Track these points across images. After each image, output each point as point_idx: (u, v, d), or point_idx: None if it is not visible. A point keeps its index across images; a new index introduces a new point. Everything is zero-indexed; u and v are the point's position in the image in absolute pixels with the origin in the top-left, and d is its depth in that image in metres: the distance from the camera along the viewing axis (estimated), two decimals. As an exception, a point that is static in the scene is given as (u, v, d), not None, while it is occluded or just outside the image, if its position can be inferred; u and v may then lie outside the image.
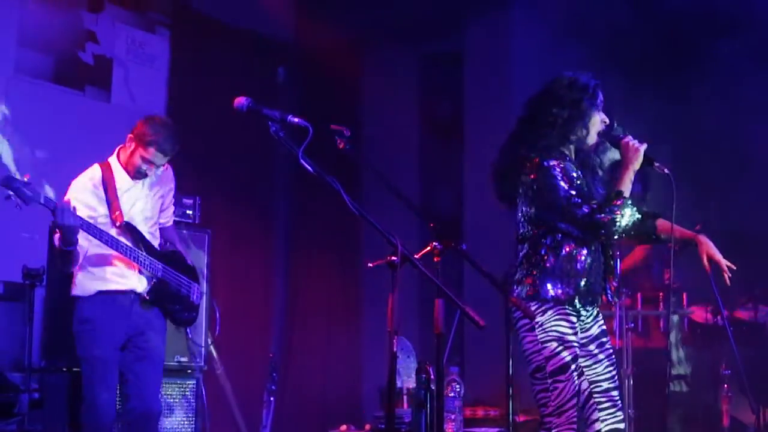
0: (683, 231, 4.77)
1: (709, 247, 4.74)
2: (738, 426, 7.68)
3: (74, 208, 5.08)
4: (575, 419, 4.49)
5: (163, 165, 5.45)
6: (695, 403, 8.46)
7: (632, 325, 7.35)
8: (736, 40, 8.19)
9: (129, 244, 5.32)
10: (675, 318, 8.61)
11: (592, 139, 4.63)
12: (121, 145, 5.50)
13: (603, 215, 4.41)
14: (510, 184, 4.66)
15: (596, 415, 4.57)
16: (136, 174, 5.43)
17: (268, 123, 3.94)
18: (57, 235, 5.11)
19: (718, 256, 4.74)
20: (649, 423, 7.93)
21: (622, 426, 4.61)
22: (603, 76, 4.75)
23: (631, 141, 4.54)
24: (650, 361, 8.06)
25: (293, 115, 3.92)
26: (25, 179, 4.94)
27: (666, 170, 4.55)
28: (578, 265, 4.54)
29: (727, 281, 4.74)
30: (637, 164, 4.51)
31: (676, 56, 8.76)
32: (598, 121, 4.62)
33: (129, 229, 5.38)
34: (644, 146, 4.52)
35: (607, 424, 4.57)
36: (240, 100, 3.97)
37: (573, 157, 4.65)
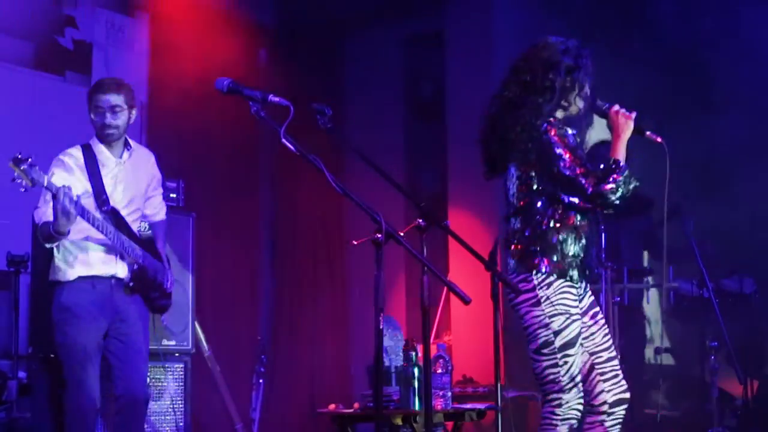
0: None
1: None
2: (726, 397, 7.72)
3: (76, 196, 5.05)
4: (582, 393, 4.49)
5: (125, 110, 5.38)
6: (683, 375, 8.51)
7: (618, 299, 7.36)
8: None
9: (113, 228, 5.30)
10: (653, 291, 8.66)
11: (579, 108, 4.58)
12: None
13: (606, 184, 4.37)
14: (504, 150, 4.57)
15: (601, 386, 4.55)
16: (106, 132, 5.36)
17: (249, 103, 3.93)
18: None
19: None
20: (638, 398, 7.98)
21: (627, 395, 4.59)
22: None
23: (620, 110, 4.50)
24: (636, 335, 8.11)
25: (274, 95, 3.92)
26: (28, 161, 4.87)
27: (659, 139, 4.51)
28: (576, 238, 4.50)
29: None
30: (628, 132, 4.46)
31: (658, 31, 8.76)
32: (585, 90, 4.57)
33: (113, 213, 5.36)
34: (633, 115, 4.48)
35: (614, 394, 4.56)
36: (220, 81, 3.97)
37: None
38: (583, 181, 4.39)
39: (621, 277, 7.66)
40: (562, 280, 4.46)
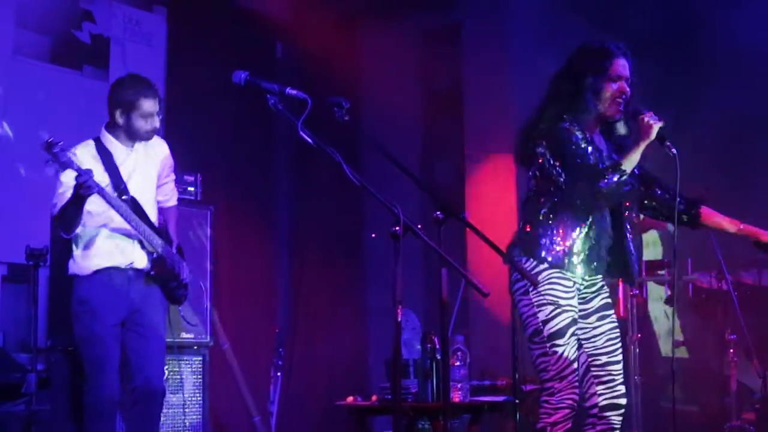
0: (727, 220, 4.73)
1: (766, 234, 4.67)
2: (745, 391, 7.69)
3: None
4: (577, 383, 4.48)
5: (160, 110, 5.43)
6: (701, 368, 8.48)
7: (636, 292, 7.34)
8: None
9: (135, 216, 5.32)
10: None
11: (610, 110, 4.57)
12: (106, 122, 5.48)
13: (595, 182, 4.39)
14: (526, 150, 4.63)
15: (594, 388, 4.55)
16: (146, 135, 5.42)
17: (267, 96, 3.94)
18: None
19: None
20: (655, 389, 7.96)
21: (622, 401, 4.58)
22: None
23: (647, 117, 4.47)
24: (653, 328, 8.08)
25: (291, 87, 3.92)
26: (59, 144, 4.95)
27: (674, 150, 4.50)
28: (574, 232, 4.50)
29: None
30: (648, 140, 4.43)
31: (677, 24, 8.73)
32: (609, 92, 4.54)
33: (132, 202, 5.38)
34: (660, 124, 4.44)
35: (605, 398, 4.55)
36: (238, 74, 3.97)
37: (594, 128, 4.62)
38: (586, 174, 4.42)
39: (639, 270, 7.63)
40: (553, 270, 4.47)
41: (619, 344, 4.66)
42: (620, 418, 4.59)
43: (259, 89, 3.95)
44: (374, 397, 6.27)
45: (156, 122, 5.43)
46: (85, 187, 4.99)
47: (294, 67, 9.38)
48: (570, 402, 4.46)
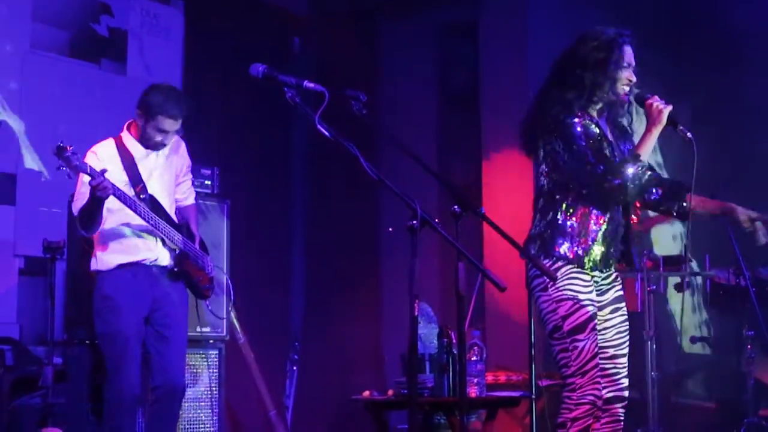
0: (712, 202, 4.71)
1: (742, 211, 4.65)
2: (762, 387, 7.66)
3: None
4: (599, 378, 4.46)
5: (177, 131, 5.44)
6: (719, 365, 8.45)
7: (654, 287, 7.31)
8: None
9: (153, 214, 5.33)
10: (698, 280, 8.60)
11: (619, 97, 4.55)
12: (130, 120, 5.50)
13: (613, 178, 4.38)
14: (533, 142, 4.61)
15: (599, 380, 4.51)
16: (154, 146, 5.43)
17: (284, 89, 3.93)
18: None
19: (755, 214, 4.66)
20: (671, 385, 7.93)
21: (625, 393, 4.58)
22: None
23: (655, 102, 4.47)
24: (671, 323, 8.05)
25: (309, 81, 3.92)
26: (69, 149, 4.95)
27: (689, 134, 4.48)
28: (592, 227, 4.49)
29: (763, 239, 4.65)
30: (660, 126, 4.42)
31: (692, 17, 8.71)
32: (624, 80, 4.54)
33: (152, 201, 5.38)
34: (669, 108, 4.43)
35: (609, 390, 4.55)
36: (255, 67, 3.97)
37: (599, 116, 4.60)
38: (591, 173, 4.41)
39: (657, 266, 7.60)
40: (571, 266, 4.47)
41: (627, 338, 4.65)
42: (623, 411, 4.59)
43: (277, 82, 3.94)
44: (390, 392, 6.27)
45: (169, 140, 5.43)
46: (101, 188, 4.99)
47: (311, 61, 9.37)
48: (592, 398, 4.43)
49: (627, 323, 4.66)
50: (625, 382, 4.60)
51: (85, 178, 5.09)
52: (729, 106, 8.49)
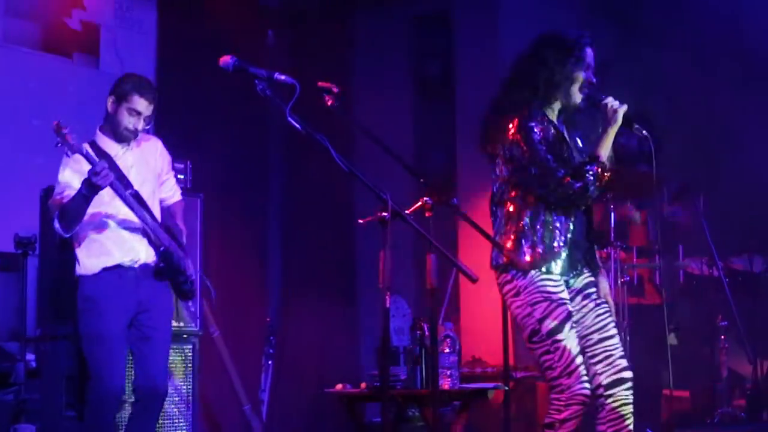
0: None
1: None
2: (735, 377, 7.71)
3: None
4: (586, 375, 4.38)
5: (147, 121, 5.38)
6: (692, 355, 8.49)
7: (627, 278, 7.34)
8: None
9: (142, 209, 5.28)
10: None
11: (577, 99, 4.55)
12: (100, 125, 5.44)
13: (575, 182, 4.38)
14: (491, 144, 4.59)
15: (593, 369, 4.45)
16: (125, 133, 5.34)
17: (255, 81, 3.92)
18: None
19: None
20: (647, 377, 7.95)
21: (626, 375, 4.46)
22: (594, 30, 4.71)
23: (610, 102, 4.46)
24: (646, 314, 8.07)
25: (280, 73, 3.91)
26: (66, 129, 4.91)
27: (644, 132, 4.48)
28: (557, 232, 4.47)
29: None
30: (616, 126, 4.42)
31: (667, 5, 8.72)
32: (583, 81, 4.53)
33: (136, 197, 5.32)
34: (623, 108, 4.43)
35: (607, 375, 4.45)
36: (225, 59, 3.96)
37: (557, 117, 4.60)
38: (551, 178, 4.40)
39: (630, 257, 7.64)
40: (537, 271, 4.43)
41: (610, 319, 4.56)
42: (630, 392, 4.46)
43: (247, 74, 3.93)
44: (363, 385, 6.27)
45: (140, 125, 5.34)
46: (102, 176, 4.90)
47: (285, 54, 9.34)
48: (581, 398, 4.36)
49: (605, 306, 4.58)
50: (622, 363, 4.47)
51: (68, 175, 5.05)
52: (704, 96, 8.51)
